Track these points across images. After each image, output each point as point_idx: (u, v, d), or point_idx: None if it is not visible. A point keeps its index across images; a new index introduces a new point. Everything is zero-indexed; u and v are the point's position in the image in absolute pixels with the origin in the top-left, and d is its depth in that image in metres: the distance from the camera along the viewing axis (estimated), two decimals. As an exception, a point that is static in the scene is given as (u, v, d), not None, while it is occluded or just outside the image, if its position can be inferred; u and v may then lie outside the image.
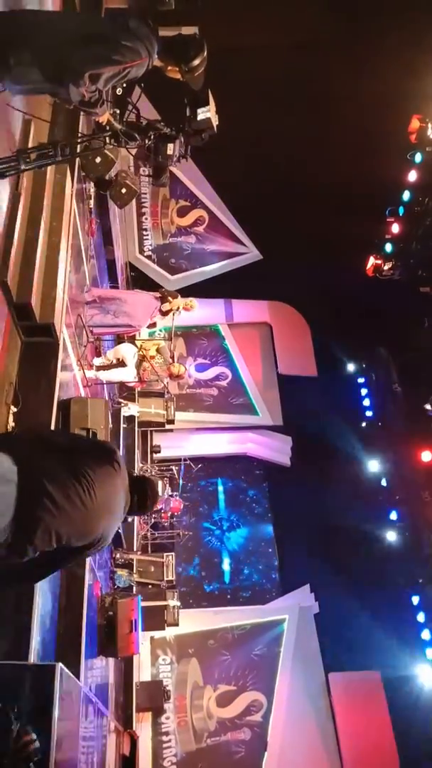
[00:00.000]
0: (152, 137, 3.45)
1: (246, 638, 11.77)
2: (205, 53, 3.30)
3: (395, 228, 12.41)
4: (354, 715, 11.08)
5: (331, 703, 11.17)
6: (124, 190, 6.89)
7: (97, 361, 7.73)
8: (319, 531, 12.35)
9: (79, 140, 3.61)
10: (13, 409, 4.26)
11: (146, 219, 14.18)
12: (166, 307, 7.15)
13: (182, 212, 14.48)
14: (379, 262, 12.62)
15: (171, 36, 3.29)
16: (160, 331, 11.03)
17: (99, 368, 7.67)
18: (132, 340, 8.34)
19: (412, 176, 11.82)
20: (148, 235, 14.31)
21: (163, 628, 10.06)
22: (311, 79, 10.29)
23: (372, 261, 12.68)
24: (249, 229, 14.33)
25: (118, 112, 3.40)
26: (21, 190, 4.36)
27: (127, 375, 7.95)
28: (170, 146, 3.49)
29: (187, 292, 7.91)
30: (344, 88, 10.38)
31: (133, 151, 3.71)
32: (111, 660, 7.31)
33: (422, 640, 11.44)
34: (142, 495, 2.79)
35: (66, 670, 3.73)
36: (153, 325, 7.90)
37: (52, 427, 4.64)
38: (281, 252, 12.98)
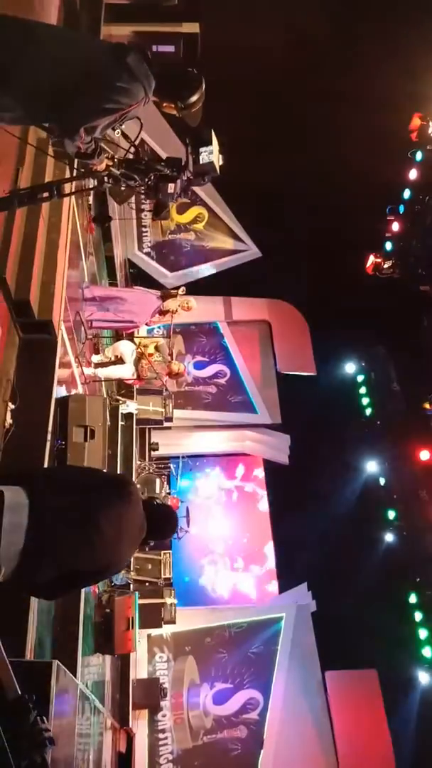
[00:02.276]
0: (152, 178, 3.33)
1: (243, 636, 11.77)
2: (203, 89, 3.14)
3: (395, 226, 12.41)
4: (350, 713, 11.10)
5: (327, 701, 11.18)
6: (123, 187, 6.86)
7: (96, 358, 7.72)
8: (317, 529, 12.36)
9: (74, 178, 3.46)
10: (11, 406, 4.24)
11: (145, 216, 14.15)
12: (168, 306, 7.13)
13: (182, 209, 14.44)
14: (378, 260, 12.62)
15: (167, 72, 3.08)
16: (159, 328, 11.02)
17: (97, 365, 7.66)
18: (131, 337, 8.33)
19: (413, 174, 11.81)
20: (147, 232, 14.28)
21: (160, 626, 10.06)
22: (312, 78, 10.27)
23: (372, 259, 12.68)
24: (248, 226, 14.30)
25: (116, 156, 3.26)
26: (20, 186, 4.34)
27: (126, 372, 7.94)
28: (171, 185, 3.36)
29: (187, 289, 7.89)
30: (345, 86, 10.37)
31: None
32: (108, 657, 7.30)
33: (419, 639, 11.46)
34: (158, 524, 2.80)
35: (62, 666, 3.72)
36: (151, 322, 7.88)
37: (50, 427, 4.64)
38: (281, 250, 12.98)
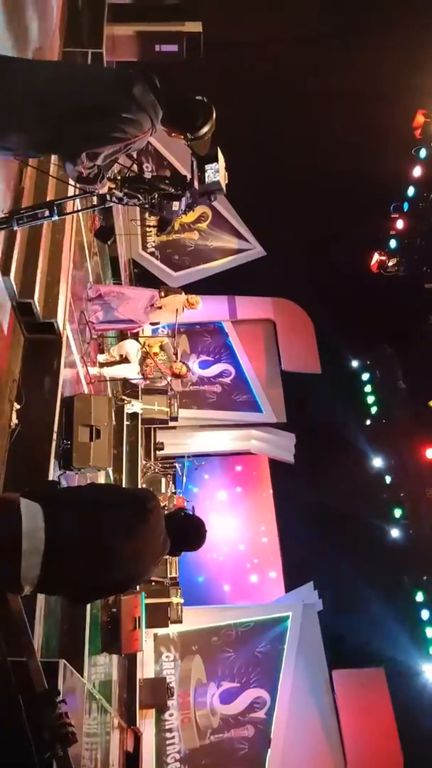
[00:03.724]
0: (156, 196, 3.22)
1: (249, 635, 11.77)
2: (214, 119, 3.02)
3: (400, 224, 12.38)
4: (358, 712, 11.08)
5: (334, 700, 11.16)
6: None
7: (101, 358, 7.73)
8: (323, 528, 12.34)
9: (75, 196, 3.35)
10: (17, 406, 4.25)
11: (149, 216, 14.13)
12: (164, 303, 7.13)
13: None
14: (383, 258, 12.59)
15: (176, 101, 2.96)
16: (164, 328, 11.01)
17: (102, 365, 7.67)
18: (135, 336, 8.33)
19: (417, 172, 11.78)
20: (151, 231, 14.27)
21: (167, 625, 10.07)
22: (315, 75, 10.24)
23: (376, 257, 12.65)
24: (252, 225, 14.28)
25: (118, 177, 3.15)
26: (24, 185, 4.34)
27: (131, 372, 7.94)
28: (175, 203, 3.26)
29: (191, 289, 7.90)
30: (349, 84, 10.34)
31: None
32: (115, 657, 7.32)
33: (426, 637, 11.43)
34: (186, 536, 2.84)
35: (69, 666, 3.73)
36: (156, 322, 7.88)
37: (56, 427, 4.64)
38: (285, 248, 12.95)
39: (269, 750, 10.73)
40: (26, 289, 4.39)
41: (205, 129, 3.02)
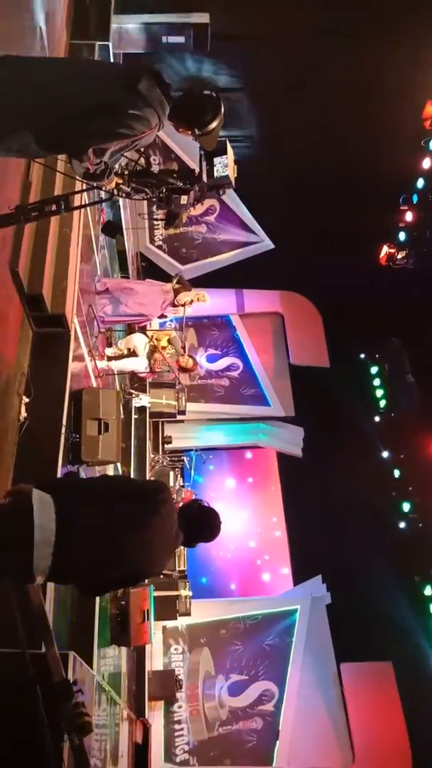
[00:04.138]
0: (164, 191, 3.19)
1: (258, 628, 11.80)
2: (222, 114, 2.98)
3: (409, 216, 12.28)
4: (366, 705, 11.09)
5: (342, 693, 11.18)
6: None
7: (109, 351, 7.74)
8: (331, 522, 12.33)
9: (82, 191, 3.33)
10: (25, 399, 4.27)
11: (156, 210, 14.09)
12: (177, 300, 7.11)
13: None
14: (392, 250, 12.50)
15: (183, 96, 2.93)
16: (171, 321, 11.00)
17: (110, 358, 7.68)
18: (143, 330, 8.33)
19: (426, 163, 11.66)
20: (158, 225, 14.24)
21: (175, 618, 10.11)
22: (324, 67, 10.15)
23: (385, 250, 12.55)
24: (261, 218, 14.22)
25: (126, 172, 3.12)
26: (31, 179, 4.34)
27: (139, 365, 7.95)
28: (184, 197, 3.22)
29: (198, 282, 7.88)
30: (357, 74, 10.24)
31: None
32: (124, 649, 7.36)
33: (434, 631, 11.42)
34: (200, 528, 2.83)
35: (79, 658, 3.75)
36: (164, 315, 7.87)
37: (64, 420, 4.66)
38: (293, 241, 12.87)
39: (277, 742, 10.77)
40: (35, 282, 4.39)
41: (213, 125, 2.97)
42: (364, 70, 10.13)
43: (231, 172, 3.30)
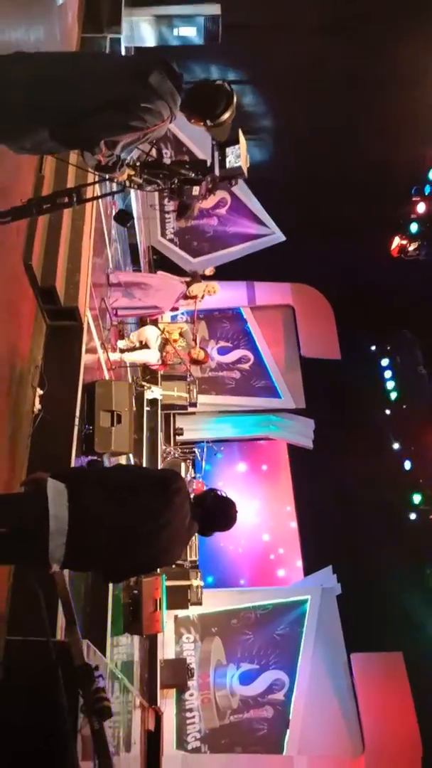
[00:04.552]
0: (176, 182, 3.18)
1: (269, 618, 11.87)
2: (234, 105, 2.95)
3: (421, 207, 12.17)
4: (376, 695, 11.15)
5: (353, 683, 11.24)
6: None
7: (121, 344, 7.80)
8: (342, 513, 12.35)
9: (94, 183, 3.32)
10: (39, 391, 4.32)
11: (168, 202, 14.11)
12: (189, 291, 7.15)
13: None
14: (404, 242, 12.40)
15: (196, 87, 2.92)
16: (183, 314, 11.03)
17: (123, 351, 7.73)
18: (155, 323, 8.38)
19: (439, 154, 11.56)
20: (170, 217, 14.24)
21: (187, 607, 10.20)
22: (337, 59, 10.08)
23: (397, 241, 12.46)
24: (272, 210, 14.17)
25: (138, 164, 3.10)
26: (44, 173, 4.38)
27: (151, 357, 8.00)
28: (195, 188, 3.19)
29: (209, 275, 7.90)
30: (369, 67, 10.17)
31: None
32: (136, 638, 7.44)
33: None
34: (215, 518, 2.84)
35: (92, 646, 3.82)
36: (176, 308, 7.91)
37: (77, 412, 4.72)
38: (304, 233, 12.84)
39: (288, 731, 10.87)
40: (48, 276, 4.44)
41: (226, 116, 2.96)
42: (376, 61, 10.05)
43: (243, 162, 3.27)
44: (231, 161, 3.22)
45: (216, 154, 3.26)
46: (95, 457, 5.10)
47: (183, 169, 3.19)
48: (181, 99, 2.84)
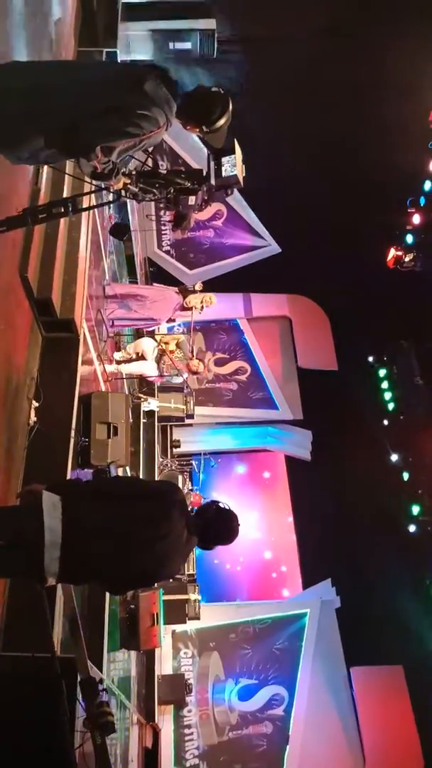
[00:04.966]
0: (172, 191, 3.15)
1: (267, 632, 11.77)
2: (230, 111, 2.93)
3: (416, 219, 12.24)
4: (376, 709, 11.04)
5: (353, 697, 11.13)
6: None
7: (118, 356, 7.78)
8: (340, 525, 12.29)
9: (89, 192, 3.32)
10: (35, 404, 4.29)
11: (164, 214, 14.18)
12: (187, 302, 7.14)
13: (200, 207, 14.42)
14: (399, 253, 12.46)
15: (191, 93, 2.90)
16: (179, 325, 11.03)
17: (119, 362, 7.71)
18: (152, 334, 8.37)
19: (433, 166, 11.64)
20: (166, 230, 14.30)
21: (185, 622, 10.10)
22: (330, 69, 10.17)
23: (393, 252, 12.52)
24: (267, 222, 14.25)
25: (133, 173, 3.08)
26: (40, 185, 4.38)
27: (147, 369, 7.98)
28: (192, 198, 3.18)
29: (206, 286, 7.90)
30: (364, 77, 10.25)
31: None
32: (133, 653, 7.37)
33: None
34: (215, 531, 2.78)
35: (89, 662, 3.76)
36: (172, 320, 7.90)
37: (74, 424, 4.69)
38: (300, 245, 12.89)
39: (288, 746, 10.74)
40: (44, 287, 4.42)
41: (221, 122, 2.94)
42: (370, 71, 10.14)
43: (239, 171, 3.26)
44: (227, 170, 3.20)
45: (212, 163, 3.25)
46: (102, 466, 5.06)
47: (179, 178, 3.18)
48: (176, 105, 2.83)
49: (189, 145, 12.04)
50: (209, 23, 9.74)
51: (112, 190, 3.05)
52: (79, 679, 2.64)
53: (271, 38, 10.22)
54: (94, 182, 2.99)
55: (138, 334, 8.55)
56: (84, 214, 5.29)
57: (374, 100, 10.44)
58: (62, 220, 4.79)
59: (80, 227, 5.22)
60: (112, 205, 7.42)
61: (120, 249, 9.50)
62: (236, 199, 14.28)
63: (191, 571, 10.55)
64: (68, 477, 4.39)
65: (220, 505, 2.82)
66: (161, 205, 3.37)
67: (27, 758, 2.79)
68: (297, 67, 10.23)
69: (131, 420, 6.33)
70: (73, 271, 4.94)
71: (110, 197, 3.19)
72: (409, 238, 12.42)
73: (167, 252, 14.35)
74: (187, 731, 10.67)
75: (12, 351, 4.09)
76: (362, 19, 9.80)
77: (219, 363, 14.74)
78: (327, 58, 10.09)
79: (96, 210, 6.25)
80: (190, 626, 10.92)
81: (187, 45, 9.76)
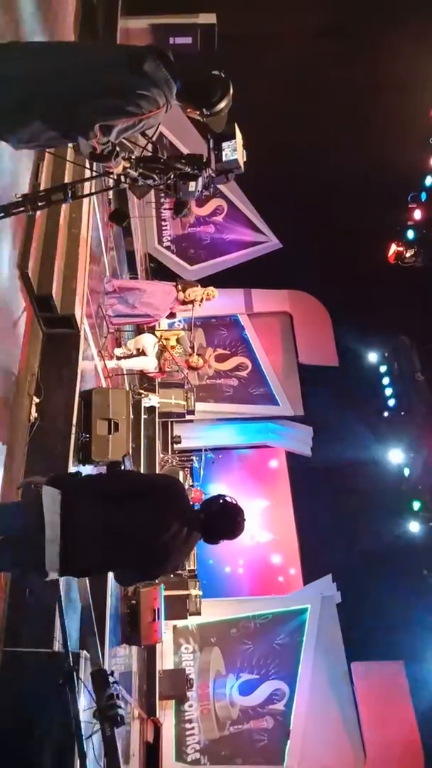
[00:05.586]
0: (172, 177, 3.13)
1: (268, 627, 11.79)
2: (231, 94, 2.92)
3: (417, 214, 12.22)
4: (377, 704, 11.06)
5: (353, 692, 11.16)
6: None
7: (118, 351, 7.77)
8: (341, 521, 12.30)
9: (89, 179, 3.31)
10: (36, 400, 4.29)
11: (165, 209, 14.15)
12: (187, 296, 7.11)
13: (201, 202, 14.40)
14: (400, 249, 12.44)
15: (192, 75, 2.87)
16: (180, 321, 11.00)
17: (120, 358, 7.70)
18: (152, 330, 8.35)
19: (434, 161, 11.61)
20: (167, 225, 14.27)
21: (186, 617, 10.13)
22: (331, 66, 10.14)
23: (394, 248, 12.50)
24: (268, 217, 14.22)
25: (133, 157, 3.06)
26: (40, 181, 4.37)
27: (148, 364, 7.97)
28: (192, 184, 3.15)
29: (207, 282, 7.87)
30: (365, 73, 10.22)
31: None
32: (134, 648, 7.38)
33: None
34: (219, 525, 2.75)
35: (90, 657, 3.77)
36: (173, 315, 7.89)
37: (74, 420, 4.68)
38: (301, 240, 12.87)
39: (288, 741, 10.77)
40: (44, 284, 4.42)
41: (222, 104, 2.91)
42: (371, 68, 10.11)
43: (240, 156, 3.22)
44: (227, 155, 3.17)
45: (212, 148, 3.21)
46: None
47: (179, 163, 3.15)
48: (176, 88, 2.81)
49: (189, 140, 11.99)
50: (210, 18, 9.70)
51: (111, 175, 3.02)
52: (91, 670, 2.65)
53: (272, 35, 10.17)
54: (93, 165, 2.96)
55: (139, 330, 8.54)
56: (84, 211, 5.28)
57: (376, 96, 10.41)
58: (62, 217, 4.78)
59: (81, 223, 5.21)
60: (111, 203, 7.42)
61: (121, 245, 9.49)
62: (237, 195, 14.27)
63: (192, 567, 10.57)
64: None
65: (227, 499, 2.78)
66: (161, 194, 3.35)
67: (37, 751, 2.80)
68: (297, 63, 10.21)
69: (132, 416, 6.33)
70: (74, 267, 4.93)
71: (110, 183, 3.17)
72: (410, 234, 12.39)
73: (168, 248, 14.33)
74: (188, 726, 10.71)
75: (12, 347, 4.09)
76: (362, 17, 9.77)
77: (220, 359, 14.73)
78: (327, 55, 10.07)
79: (96, 206, 6.24)
80: (191, 621, 10.95)
81: (188, 39, 9.72)
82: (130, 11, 9.00)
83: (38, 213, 4.33)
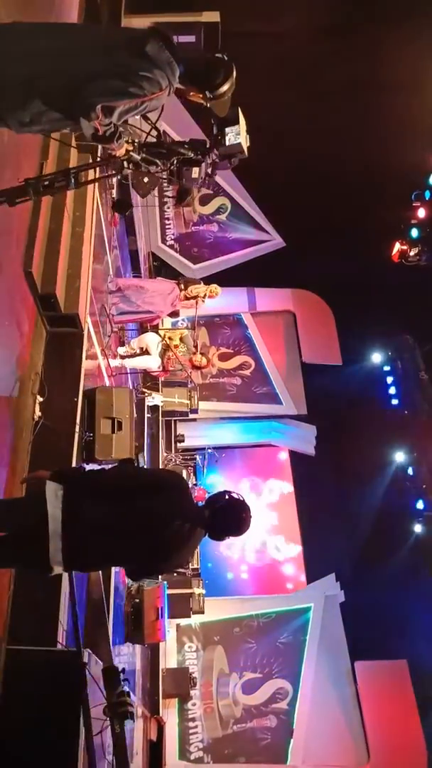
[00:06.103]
0: (175, 162, 3.11)
1: (271, 626, 11.80)
2: (234, 77, 2.89)
3: (421, 212, 12.18)
4: (380, 703, 11.06)
5: (357, 692, 11.16)
6: (146, 179, 6.82)
7: (122, 350, 7.77)
8: (344, 520, 12.30)
9: (92, 165, 3.29)
10: (39, 399, 4.29)
11: (168, 208, 14.14)
12: (189, 292, 7.11)
13: (204, 200, 14.40)
14: (404, 247, 12.40)
15: (195, 58, 2.87)
16: (183, 320, 11.02)
17: (123, 357, 7.71)
18: (156, 329, 8.36)
19: (439, 160, 11.57)
20: (170, 224, 14.27)
21: (189, 616, 10.14)
22: (335, 64, 10.12)
23: (397, 246, 12.46)
24: (272, 216, 14.20)
25: (136, 141, 3.02)
26: (46, 164, 4.37)
27: (151, 363, 7.98)
28: (195, 170, 3.13)
29: (210, 280, 7.88)
30: (368, 71, 10.20)
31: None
32: (138, 646, 7.39)
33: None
34: (224, 522, 2.72)
35: (93, 655, 3.77)
36: (176, 314, 7.89)
37: (78, 419, 4.68)
38: (305, 239, 12.85)
39: (292, 740, 10.78)
40: (48, 283, 4.42)
41: (225, 87, 2.89)
42: (375, 66, 10.08)
43: (244, 140, 3.20)
44: (231, 139, 3.14)
45: (215, 132, 3.20)
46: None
47: (182, 148, 3.13)
48: (179, 70, 2.78)
49: (184, 127, 11.98)
50: (213, 16, 9.69)
51: (114, 156, 2.99)
52: (102, 666, 2.66)
53: (276, 33, 10.16)
54: (98, 150, 2.92)
55: (142, 328, 8.55)
56: (88, 209, 5.28)
57: (379, 94, 10.39)
58: (66, 215, 4.78)
59: (84, 222, 5.21)
60: (114, 198, 7.42)
61: (124, 243, 9.49)
62: (240, 194, 14.25)
63: (195, 566, 10.57)
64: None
65: (232, 494, 2.75)
66: (165, 188, 3.34)
67: (46, 747, 2.81)
68: (301, 60, 10.19)
69: (135, 415, 6.33)
70: (77, 266, 4.93)
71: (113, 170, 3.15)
72: (414, 232, 12.35)
73: (171, 246, 14.32)
74: (191, 724, 10.72)
75: (16, 346, 4.09)
76: (366, 15, 9.74)
77: (223, 358, 14.73)
78: (332, 55, 10.04)
79: (100, 205, 6.24)
80: (195, 620, 10.96)
81: (191, 38, 9.71)
82: (133, 10, 9.01)
83: (41, 212, 4.34)
